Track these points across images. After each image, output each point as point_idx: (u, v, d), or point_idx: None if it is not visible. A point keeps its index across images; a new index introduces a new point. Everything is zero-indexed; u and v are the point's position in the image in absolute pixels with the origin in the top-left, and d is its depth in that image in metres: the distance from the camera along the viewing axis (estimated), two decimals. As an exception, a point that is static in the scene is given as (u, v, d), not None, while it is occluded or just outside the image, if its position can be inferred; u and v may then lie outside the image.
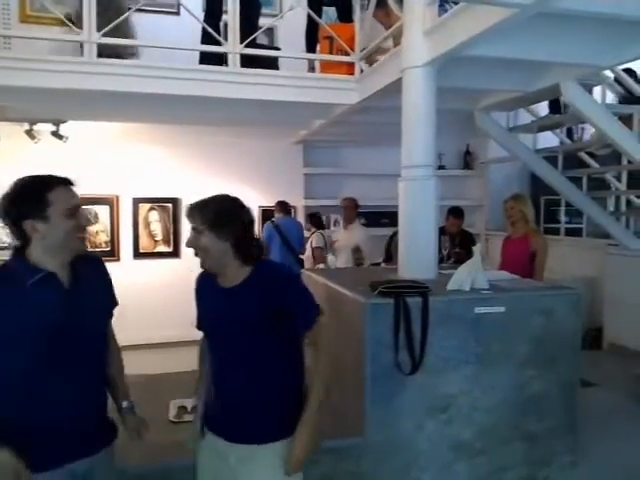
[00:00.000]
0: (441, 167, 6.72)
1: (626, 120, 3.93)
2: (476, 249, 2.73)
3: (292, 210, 6.01)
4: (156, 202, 5.89)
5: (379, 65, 3.69)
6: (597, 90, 4.52)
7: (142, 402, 2.04)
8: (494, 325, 2.49)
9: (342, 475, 2.34)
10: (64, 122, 4.94)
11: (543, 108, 5.18)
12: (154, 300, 5.51)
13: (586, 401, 2.78)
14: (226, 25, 3.88)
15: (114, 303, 1.73)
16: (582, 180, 4.96)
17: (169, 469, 2.16)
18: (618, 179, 5.18)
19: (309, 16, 4.33)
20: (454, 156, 6.93)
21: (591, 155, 5.22)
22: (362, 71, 4.05)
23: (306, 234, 5.70)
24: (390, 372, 2.34)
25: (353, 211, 5.47)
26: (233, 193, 1.75)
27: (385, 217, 6.12)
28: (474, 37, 2.53)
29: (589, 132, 5.65)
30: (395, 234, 3.26)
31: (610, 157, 5.01)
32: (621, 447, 2.81)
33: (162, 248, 5.94)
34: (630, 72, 4.72)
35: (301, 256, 5.43)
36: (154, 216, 5.92)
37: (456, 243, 4.94)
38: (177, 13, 5.18)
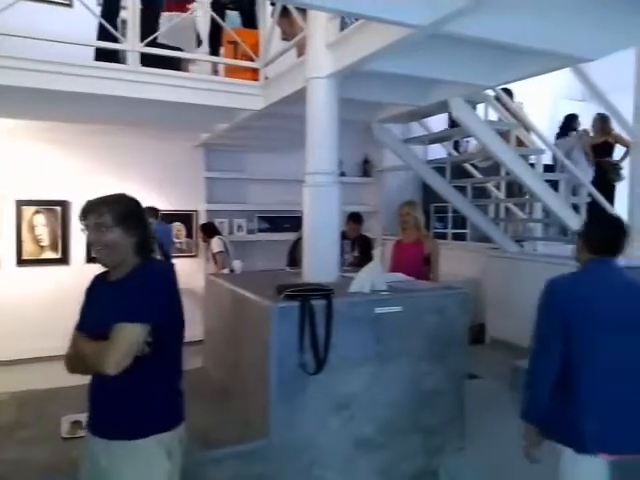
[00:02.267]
0: (342, 174, 6.96)
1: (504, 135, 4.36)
2: (375, 253, 2.89)
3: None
4: (42, 205, 5.45)
5: (284, 73, 3.76)
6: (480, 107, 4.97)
7: (30, 420, 1.92)
8: (392, 324, 2.64)
9: (248, 478, 2.35)
10: None
11: (434, 122, 5.57)
12: (40, 311, 5.10)
13: (472, 392, 3.03)
14: (124, 22, 3.73)
15: None
16: (466, 189, 5.40)
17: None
18: (498, 188, 5.72)
19: (213, 19, 4.29)
20: (353, 164, 7.19)
21: (474, 166, 5.70)
22: (266, 77, 4.10)
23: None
24: (295, 373, 2.39)
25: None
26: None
27: (287, 222, 6.22)
28: (373, 53, 2.67)
29: (473, 145, 6.18)
30: (299, 239, 3.33)
31: (491, 168, 5.52)
32: (502, 430, 3.09)
33: (49, 254, 5.51)
34: (507, 92, 5.25)
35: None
36: (40, 220, 5.48)
37: (355, 247, 5.15)
38: (69, 5, 4.87)
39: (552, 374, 1.94)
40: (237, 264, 3.54)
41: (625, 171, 5.67)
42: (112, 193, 1.76)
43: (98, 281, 1.83)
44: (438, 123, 5.70)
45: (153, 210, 5.31)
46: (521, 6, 2.31)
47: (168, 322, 1.71)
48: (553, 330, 1.94)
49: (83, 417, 2.32)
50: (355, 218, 5.09)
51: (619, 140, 5.78)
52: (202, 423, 2.54)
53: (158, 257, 1.96)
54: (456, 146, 6.59)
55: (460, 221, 6.22)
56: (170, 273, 1.78)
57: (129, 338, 1.59)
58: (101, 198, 1.72)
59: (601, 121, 5.94)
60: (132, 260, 1.72)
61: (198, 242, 6.06)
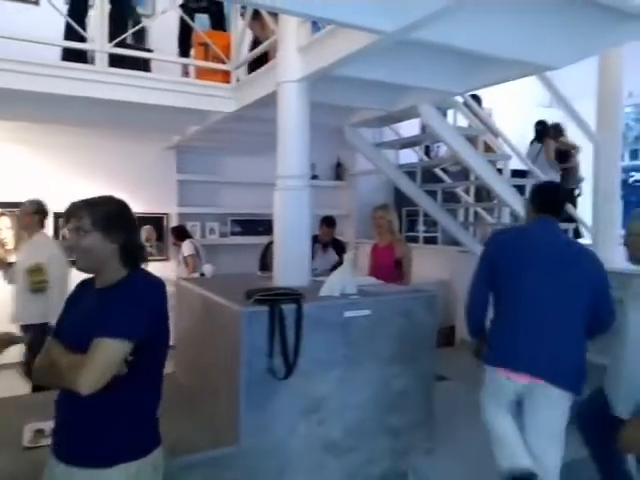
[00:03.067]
0: (314, 177, 6.99)
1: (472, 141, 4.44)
2: (346, 257, 2.90)
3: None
4: (7, 207, 5.30)
5: (255, 76, 3.75)
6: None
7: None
8: (361, 327, 2.65)
9: (217, 485, 2.33)
10: None
11: (407, 127, 5.63)
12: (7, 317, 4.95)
13: (441, 393, 3.07)
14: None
15: None
16: (437, 193, 5.48)
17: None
18: (467, 193, 5.81)
19: (183, 21, 4.26)
20: (326, 167, 7.22)
21: (445, 171, 5.79)
22: (238, 80, 4.08)
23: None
24: (264, 378, 2.38)
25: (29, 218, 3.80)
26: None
27: (261, 225, 6.20)
28: (343, 58, 2.68)
29: (444, 150, 6.28)
30: (271, 243, 3.32)
31: (460, 173, 5.61)
32: (471, 432, 3.14)
33: (15, 258, 5.35)
34: (476, 98, 5.35)
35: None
36: (4, 222, 5.34)
37: (329, 251, 5.17)
38: (36, 3, 4.77)
39: (484, 299, 2.45)
40: (208, 268, 3.51)
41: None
42: (99, 195, 1.66)
43: (82, 287, 1.73)
44: (411, 128, 5.77)
45: None
46: (487, 15, 2.36)
47: (152, 341, 1.59)
48: (484, 267, 2.44)
49: (47, 425, 2.28)
50: (328, 222, 5.12)
51: (565, 146, 5.96)
52: (171, 430, 2.48)
53: None
54: (427, 151, 6.69)
55: (431, 225, 6.31)
56: (160, 288, 1.66)
57: (108, 355, 1.46)
58: (85, 200, 1.63)
59: (553, 129, 6.13)
60: (117, 269, 1.62)
61: (169, 245, 5.98)
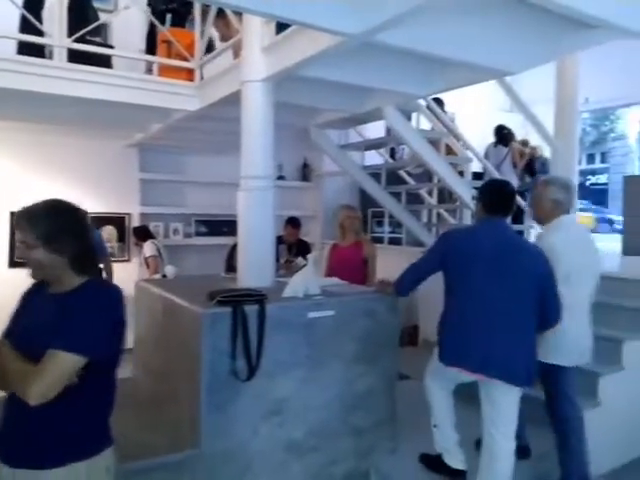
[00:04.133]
0: (281, 177, 6.97)
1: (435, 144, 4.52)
2: (309, 258, 2.89)
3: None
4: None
5: (219, 75, 3.71)
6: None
7: None
8: (325, 328, 2.66)
9: (177, 490, 2.29)
10: None
11: (373, 128, 5.68)
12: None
13: (403, 393, 3.10)
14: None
15: None
16: (401, 195, 5.54)
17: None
18: (430, 195, 5.90)
19: (157, 19, 4.19)
20: (293, 168, 7.21)
21: (409, 173, 5.87)
22: (202, 78, 4.03)
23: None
24: (226, 380, 2.36)
25: None
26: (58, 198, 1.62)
27: (226, 226, 6.13)
28: (307, 59, 2.69)
29: (408, 152, 6.36)
30: (237, 244, 3.29)
31: (424, 175, 5.70)
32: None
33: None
34: (439, 101, 5.45)
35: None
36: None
37: (294, 252, 5.16)
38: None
39: (418, 275, 2.70)
40: (170, 269, 3.44)
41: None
42: (44, 200, 1.56)
43: (37, 288, 1.66)
44: (377, 130, 5.82)
45: None
46: (449, 21, 2.41)
47: (107, 354, 1.55)
48: (432, 259, 2.60)
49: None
50: (293, 223, 5.10)
51: (533, 151, 6.14)
52: (129, 435, 2.44)
53: None
54: (393, 153, 6.76)
55: (397, 226, 6.37)
56: (118, 296, 1.60)
57: (61, 369, 1.42)
58: (26, 210, 1.52)
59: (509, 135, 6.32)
60: (70, 277, 1.56)
61: (131, 246, 5.85)
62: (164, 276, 4.37)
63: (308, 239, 6.28)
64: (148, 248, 5.24)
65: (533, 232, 5.03)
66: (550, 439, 2.73)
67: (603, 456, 3.15)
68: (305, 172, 7.31)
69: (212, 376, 2.34)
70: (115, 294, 1.61)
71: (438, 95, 5.15)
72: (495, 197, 2.52)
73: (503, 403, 2.38)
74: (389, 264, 5.58)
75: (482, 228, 2.56)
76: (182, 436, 2.45)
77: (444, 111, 5.34)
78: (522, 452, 2.65)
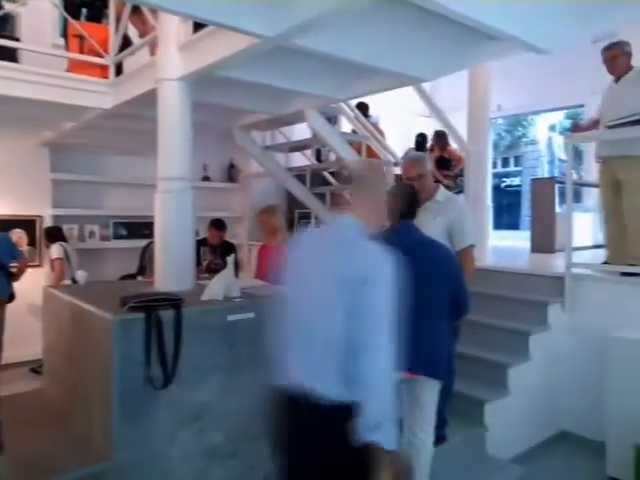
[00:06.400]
0: (206, 178, 6.85)
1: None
2: (230, 260, 2.85)
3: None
4: None
5: (135, 72, 3.59)
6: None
7: None
8: (245, 331, 2.63)
9: (88, 505, 2.19)
10: None
11: (300, 130, 5.69)
12: None
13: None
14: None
15: None
16: (326, 196, 5.61)
17: None
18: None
19: (66, 10, 3.97)
20: (219, 168, 7.10)
21: (333, 174, 5.95)
22: (118, 74, 3.88)
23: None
24: (141, 388, 2.28)
25: None
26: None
27: (147, 228, 5.91)
28: (223, 59, 2.66)
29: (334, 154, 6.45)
30: (149, 245, 3.19)
31: (349, 177, 5.78)
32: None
33: None
34: (364, 106, 5.58)
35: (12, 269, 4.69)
36: None
37: (218, 254, 5.08)
38: None
39: None
40: (81, 274, 3.27)
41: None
42: None
43: None
44: (305, 132, 5.85)
45: None
46: (360, 28, 2.47)
47: None
48: None
49: None
50: (217, 225, 5.02)
51: (452, 155, 6.36)
52: (37, 449, 2.31)
53: None
54: (319, 155, 6.83)
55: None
56: None
57: None
58: None
59: (437, 137, 6.51)
60: None
61: (43, 250, 5.51)
62: (75, 281, 4.14)
63: (235, 241, 6.21)
64: (54, 250, 4.95)
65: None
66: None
67: (512, 441, 3.37)
68: (231, 173, 7.23)
69: (125, 385, 2.25)
70: None
71: (362, 99, 5.30)
72: (402, 204, 2.56)
73: (426, 399, 2.46)
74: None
75: (393, 232, 2.56)
76: (94, 449, 2.34)
77: (368, 115, 5.47)
78: (438, 439, 2.76)
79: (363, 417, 1.44)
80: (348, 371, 1.51)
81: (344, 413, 1.47)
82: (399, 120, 7.83)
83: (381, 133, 6.16)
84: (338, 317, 1.54)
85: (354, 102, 5.28)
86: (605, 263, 3.82)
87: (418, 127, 7.26)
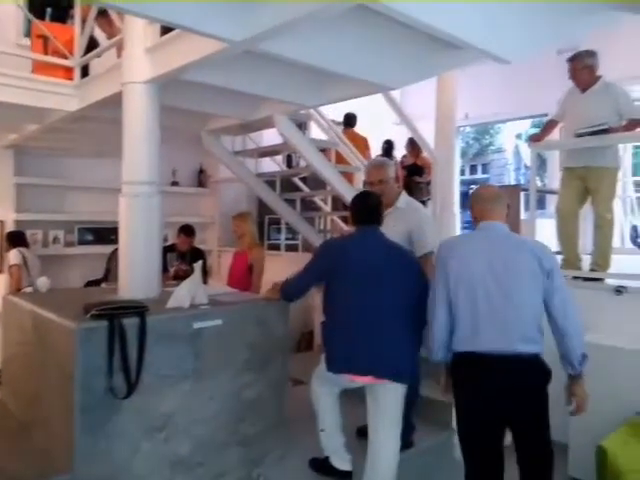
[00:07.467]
0: (175, 183, 6.75)
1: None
2: (196, 266, 2.82)
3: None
4: None
5: (101, 75, 3.52)
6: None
7: None
8: (212, 338, 2.60)
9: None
10: None
11: (271, 136, 5.65)
12: None
13: (297, 398, 3.12)
14: None
15: None
16: (296, 202, 5.60)
17: None
18: (325, 202, 6.04)
19: (31, 10, 3.87)
20: (188, 173, 7.02)
21: (304, 180, 5.95)
22: (84, 76, 3.80)
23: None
24: (103, 399, 2.22)
25: None
26: None
27: (114, 234, 5.77)
28: (190, 63, 2.63)
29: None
30: (116, 250, 3.13)
31: (319, 183, 5.80)
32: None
33: None
34: (350, 116, 5.61)
35: None
36: None
37: (188, 260, 5.01)
38: None
39: (302, 286, 2.76)
40: (42, 282, 3.16)
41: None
42: None
43: None
44: (276, 137, 5.82)
45: None
46: (326, 35, 2.49)
47: None
48: (314, 269, 2.65)
49: None
50: (186, 231, 4.96)
51: (424, 162, 6.43)
52: (-7, 464, 2.24)
53: None
54: (289, 160, 6.82)
55: (294, 232, 6.42)
56: None
57: None
58: None
59: (410, 144, 6.58)
60: None
61: (4, 256, 5.33)
62: (35, 289, 4.02)
63: (204, 246, 6.15)
64: (12, 256, 4.80)
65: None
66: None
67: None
68: (201, 178, 7.15)
69: (86, 395, 2.19)
70: None
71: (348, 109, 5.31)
72: (362, 207, 2.63)
73: (390, 403, 2.47)
74: (285, 270, 5.62)
75: (355, 237, 2.64)
76: (54, 462, 2.28)
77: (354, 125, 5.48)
78: (405, 445, 2.78)
79: (574, 354, 2.14)
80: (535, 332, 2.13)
81: (539, 359, 2.14)
82: (371, 127, 7.88)
83: (364, 141, 6.21)
84: (538, 295, 2.13)
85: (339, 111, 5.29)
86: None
87: (390, 135, 7.33)
